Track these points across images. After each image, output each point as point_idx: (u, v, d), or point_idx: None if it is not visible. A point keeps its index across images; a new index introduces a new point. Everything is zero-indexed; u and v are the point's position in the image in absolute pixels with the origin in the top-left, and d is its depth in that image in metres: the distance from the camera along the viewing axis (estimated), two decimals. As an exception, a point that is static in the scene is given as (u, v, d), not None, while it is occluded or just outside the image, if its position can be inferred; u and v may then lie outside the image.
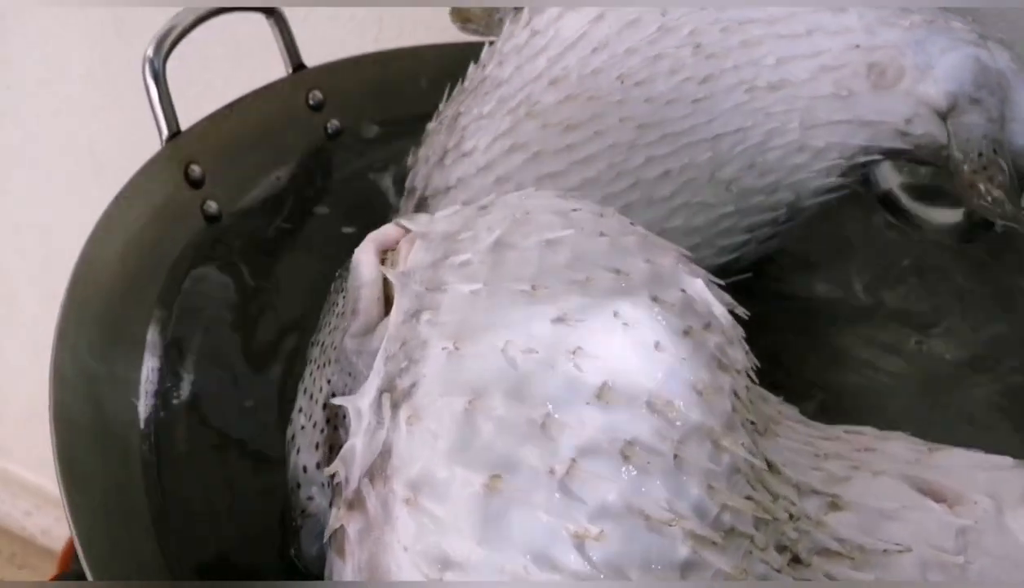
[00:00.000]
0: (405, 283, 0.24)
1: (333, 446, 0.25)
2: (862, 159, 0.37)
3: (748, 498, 0.23)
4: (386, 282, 0.26)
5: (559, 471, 0.20)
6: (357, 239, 0.33)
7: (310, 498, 0.26)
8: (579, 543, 0.20)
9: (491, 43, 0.40)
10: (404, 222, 0.28)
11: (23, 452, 1.27)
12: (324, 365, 0.26)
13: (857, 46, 0.36)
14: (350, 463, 0.23)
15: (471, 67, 0.40)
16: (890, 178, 0.44)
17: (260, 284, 0.39)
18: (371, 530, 0.21)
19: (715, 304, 0.26)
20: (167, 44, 0.38)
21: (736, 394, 0.25)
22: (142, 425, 0.32)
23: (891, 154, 0.38)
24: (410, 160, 0.40)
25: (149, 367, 0.34)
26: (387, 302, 0.26)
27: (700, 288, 0.26)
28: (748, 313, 0.26)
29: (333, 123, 0.46)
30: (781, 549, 0.24)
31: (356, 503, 0.22)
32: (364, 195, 0.44)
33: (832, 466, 0.29)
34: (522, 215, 0.26)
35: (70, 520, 0.27)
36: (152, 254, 0.37)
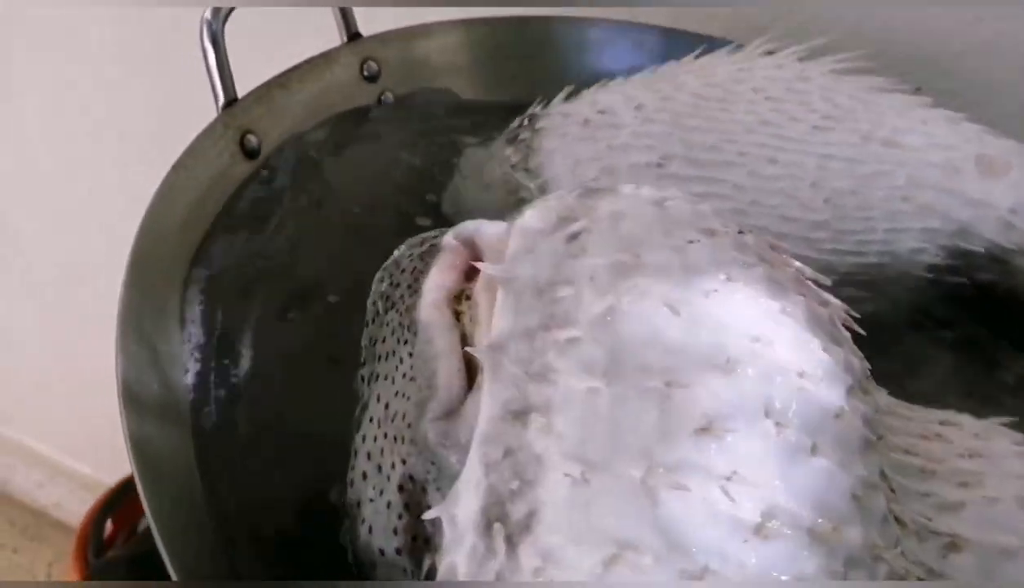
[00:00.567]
0: (498, 362, 0.20)
1: (416, 536, 0.22)
2: (962, 245, 0.37)
3: None
4: (464, 340, 0.22)
5: (721, 636, 0.17)
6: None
7: (389, 578, 0.23)
8: None
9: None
10: (483, 250, 0.23)
11: (36, 424, 1.26)
12: (395, 439, 0.22)
13: (968, 140, 0.38)
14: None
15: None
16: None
17: (313, 254, 0.37)
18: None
19: (856, 353, 0.22)
20: (225, 8, 0.36)
21: (883, 473, 0.21)
22: (199, 399, 0.31)
23: (992, 253, 0.37)
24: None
25: (206, 337, 0.32)
26: (468, 367, 0.22)
27: (839, 334, 0.22)
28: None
29: (387, 95, 0.44)
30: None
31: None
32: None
33: (941, 488, 0.26)
34: (631, 259, 0.21)
35: (143, 497, 0.25)
36: (209, 223, 0.35)
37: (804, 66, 0.40)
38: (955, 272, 0.38)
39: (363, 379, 0.25)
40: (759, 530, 0.18)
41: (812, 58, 0.40)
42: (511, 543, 0.18)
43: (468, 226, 0.24)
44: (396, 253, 0.27)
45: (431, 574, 0.21)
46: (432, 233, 0.27)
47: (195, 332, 0.32)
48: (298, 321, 0.34)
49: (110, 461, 1.19)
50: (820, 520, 0.18)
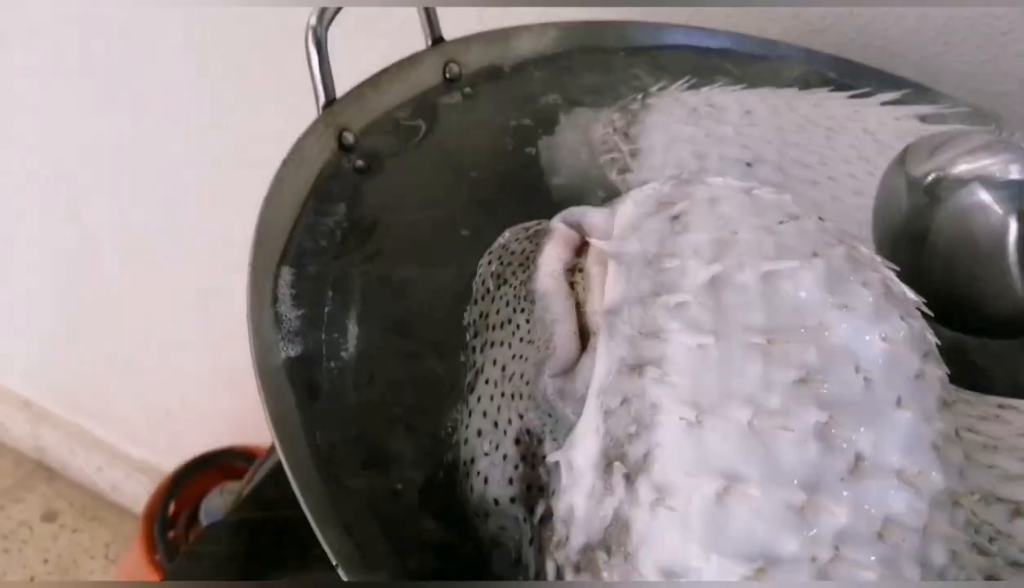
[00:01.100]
0: (613, 324, 0.23)
1: (530, 485, 0.24)
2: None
3: (979, 553, 0.22)
4: (578, 307, 0.25)
5: (821, 559, 0.19)
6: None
7: (502, 528, 0.25)
8: (840, 631, 0.19)
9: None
10: (590, 236, 0.26)
11: (98, 410, 1.32)
12: (513, 396, 0.25)
13: None
14: (570, 523, 0.22)
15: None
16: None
17: (404, 238, 0.39)
18: (607, 602, 0.20)
19: (927, 328, 0.24)
20: (329, 13, 0.38)
21: (957, 433, 0.23)
22: (313, 366, 0.32)
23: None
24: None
25: (315, 316, 0.34)
26: (581, 331, 0.25)
27: (911, 307, 0.24)
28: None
29: (467, 92, 0.46)
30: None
31: (585, 568, 0.21)
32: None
33: (1004, 461, 0.28)
34: (729, 236, 0.24)
35: (286, 466, 0.27)
36: (314, 211, 0.38)
37: (923, 126, 0.42)
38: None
39: (473, 349, 0.28)
40: (853, 470, 0.20)
41: (935, 122, 0.43)
42: (629, 480, 0.21)
43: (575, 211, 0.27)
44: (500, 239, 0.30)
45: (544, 519, 0.24)
46: (534, 222, 0.29)
47: (306, 307, 0.34)
48: (395, 295, 0.36)
49: (166, 447, 1.23)
50: (906, 464, 0.20)
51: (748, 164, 0.40)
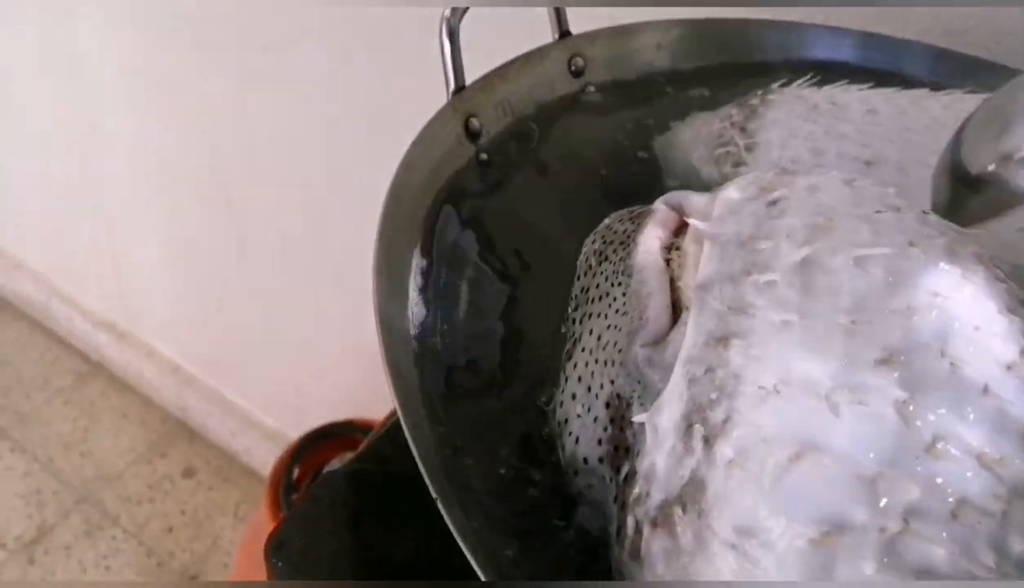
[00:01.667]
0: (704, 299, 0.24)
1: (617, 446, 0.26)
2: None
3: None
4: (672, 284, 0.26)
5: (890, 530, 0.20)
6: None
7: (589, 486, 0.27)
8: (905, 602, 0.19)
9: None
10: (689, 216, 0.27)
11: (235, 378, 1.43)
12: (606, 363, 0.27)
13: None
14: (651, 481, 0.23)
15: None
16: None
17: (521, 225, 0.42)
18: (679, 555, 0.22)
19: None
20: (463, 5, 0.41)
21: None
22: (428, 334, 0.35)
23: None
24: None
25: (433, 286, 0.37)
26: (674, 306, 0.26)
27: (1015, 303, 0.24)
28: None
29: (590, 89, 0.48)
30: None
31: (662, 523, 0.22)
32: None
33: None
34: (824, 221, 0.25)
35: (407, 432, 0.29)
36: (436, 192, 0.40)
37: None
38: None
39: (573, 321, 0.30)
40: (929, 449, 0.20)
41: None
42: (707, 442, 0.22)
43: (676, 195, 0.29)
44: (605, 221, 0.31)
45: (627, 478, 0.25)
46: (638, 206, 0.31)
47: (424, 280, 0.37)
48: (506, 277, 0.39)
49: (294, 417, 1.32)
50: (988, 449, 0.21)
51: (867, 163, 0.39)
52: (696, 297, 0.24)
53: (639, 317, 0.25)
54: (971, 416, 0.21)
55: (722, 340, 0.23)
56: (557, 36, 0.47)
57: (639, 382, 0.25)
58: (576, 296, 0.30)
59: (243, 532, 1.28)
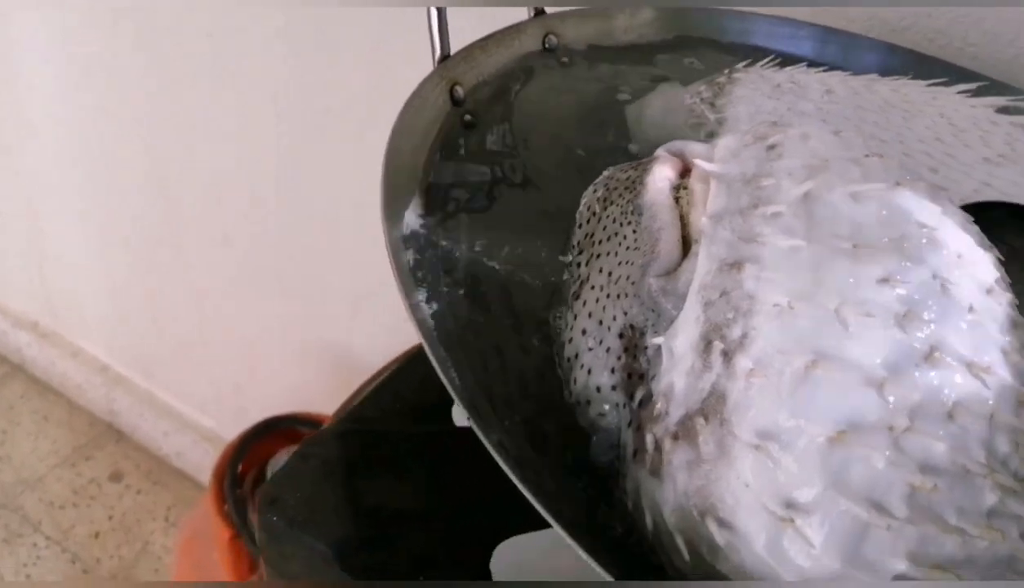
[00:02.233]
0: (715, 230, 0.26)
1: (631, 373, 0.27)
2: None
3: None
4: (681, 220, 0.28)
5: (898, 428, 0.22)
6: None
7: (601, 415, 0.28)
8: (911, 492, 0.21)
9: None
10: (694, 159, 0.29)
11: (170, 378, 1.38)
12: (618, 296, 0.28)
13: None
14: (670, 398, 0.25)
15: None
16: None
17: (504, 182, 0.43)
18: (702, 462, 0.23)
19: (999, 262, 0.26)
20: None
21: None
22: (432, 278, 0.35)
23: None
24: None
25: (431, 236, 0.37)
26: (683, 241, 0.28)
27: (987, 241, 0.27)
28: None
29: (563, 60, 0.50)
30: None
31: (683, 435, 0.24)
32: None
33: None
34: (820, 163, 0.27)
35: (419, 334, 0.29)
36: (428, 151, 0.41)
37: (997, 115, 0.45)
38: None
39: (578, 264, 0.31)
40: (928, 357, 0.23)
41: (1010, 113, 0.45)
42: (727, 356, 0.24)
43: (677, 143, 0.31)
44: (605, 173, 0.33)
45: (643, 402, 0.27)
46: (636, 161, 0.33)
47: (424, 230, 0.37)
48: (494, 221, 0.39)
49: (233, 418, 1.29)
50: (975, 359, 0.23)
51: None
52: (707, 229, 0.26)
53: (651, 250, 0.27)
54: (960, 328, 0.23)
55: (735, 265, 0.25)
56: (533, 14, 0.50)
57: (653, 310, 0.27)
58: (579, 243, 0.32)
59: (180, 534, 1.24)
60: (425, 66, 0.44)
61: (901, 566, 0.21)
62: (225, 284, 1.18)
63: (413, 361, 0.50)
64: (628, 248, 0.28)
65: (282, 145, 0.99)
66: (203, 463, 1.35)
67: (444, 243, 0.36)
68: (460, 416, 0.28)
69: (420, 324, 0.29)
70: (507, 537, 0.36)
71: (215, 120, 1.03)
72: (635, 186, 0.30)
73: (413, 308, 0.30)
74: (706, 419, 0.23)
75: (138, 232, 1.24)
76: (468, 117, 0.44)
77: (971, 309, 0.24)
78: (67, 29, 1.10)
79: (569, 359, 0.30)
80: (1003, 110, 0.47)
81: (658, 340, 0.25)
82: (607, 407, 0.28)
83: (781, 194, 0.25)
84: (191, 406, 1.37)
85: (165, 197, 1.16)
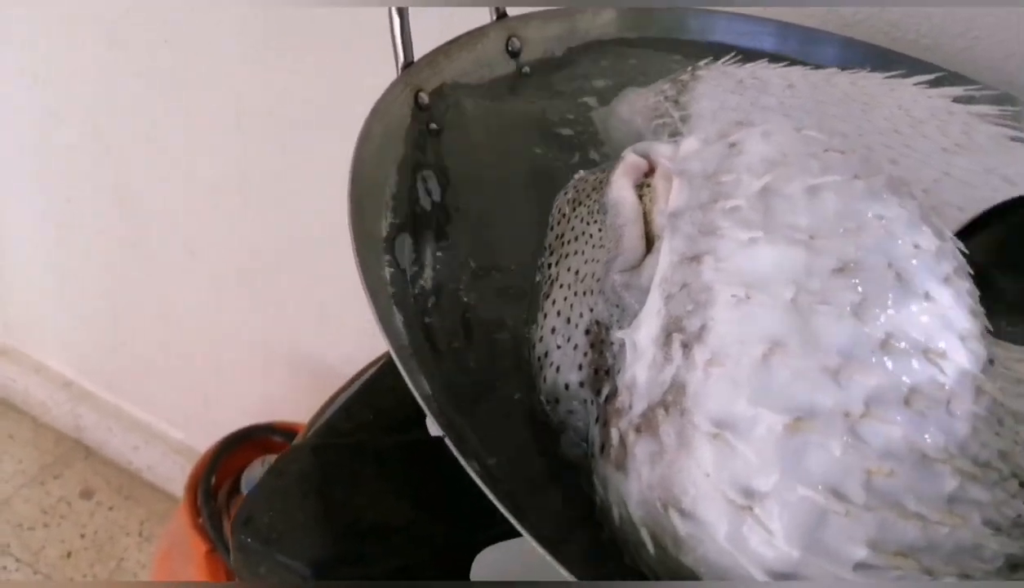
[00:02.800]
0: (676, 225, 0.26)
1: (598, 369, 0.27)
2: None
3: (996, 434, 0.25)
4: (644, 217, 0.28)
5: (853, 415, 0.22)
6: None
7: (570, 412, 0.29)
8: (868, 478, 0.22)
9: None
10: (658, 158, 0.29)
11: (137, 392, 1.36)
12: (584, 293, 0.28)
13: None
14: (633, 392, 0.25)
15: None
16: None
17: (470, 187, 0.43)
18: (664, 454, 0.24)
19: (959, 252, 0.27)
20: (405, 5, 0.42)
21: (984, 334, 0.26)
22: (402, 280, 0.35)
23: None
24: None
25: (402, 237, 0.37)
26: (646, 238, 0.28)
27: (945, 232, 0.27)
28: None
29: (526, 69, 0.50)
30: (1014, 477, 0.26)
31: (645, 428, 0.24)
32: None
33: None
34: (780, 157, 0.27)
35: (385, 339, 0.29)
36: (395, 156, 0.41)
37: (953, 105, 0.45)
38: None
39: (549, 265, 0.31)
40: (883, 344, 0.23)
41: (965, 102, 0.46)
42: (686, 347, 0.24)
43: (642, 145, 0.31)
44: (576, 175, 0.33)
45: (609, 398, 0.27)
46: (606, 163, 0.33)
47: (391, 239, 0.37)
48: (461, 228, 0.39)
49: (203, 429, 1.27)
50: (931, 345, 0.23)
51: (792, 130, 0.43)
52: (668, 224, 0.26)
53: (615, 247, 0.27)
54: (917, 316, 0.24)
55: (694, 258, 0.25)
56: (495, 17, 0.49)
57: (617, 306, 0.27)
58: (550, 244, 0.32)
59: (156, 548, 1.22)
60: (388, 72, 0.44)
61: (861, 553, 0.22)
62: (190, 295, 1.16)
63: (384, 370, 0.50)
64: (594, 246, 0.28)
65: (246, 154, 0.98)
66: (175, 476, 1.33)
67: (412, 253, 0.36)
68: (434, 426, 0.28)
69: (389, 334, 0.29)
70: (487, 546, 0.36)
71: (176, 129, 1.02)
72: (602, 186, 0.30)
73: (382, 319, 0.30)
74: (667, 410, 0.24)
75: (99, 245, 1.21)
76: (433, 125, 0.44)
77: (927, 296, 0.24)
78: (23, 36, 1.08)
79: (540, 358, 0.30)
80: (959, 100, 0.47)
81: (621, 334, 0.26)
82: (575, 404, 0.28)
83: (740, 188, 0.26)
84: (160, 419, 1.36)
85: (127, 209, 1.14)
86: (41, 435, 1.46)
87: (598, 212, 0.29)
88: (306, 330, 1.08)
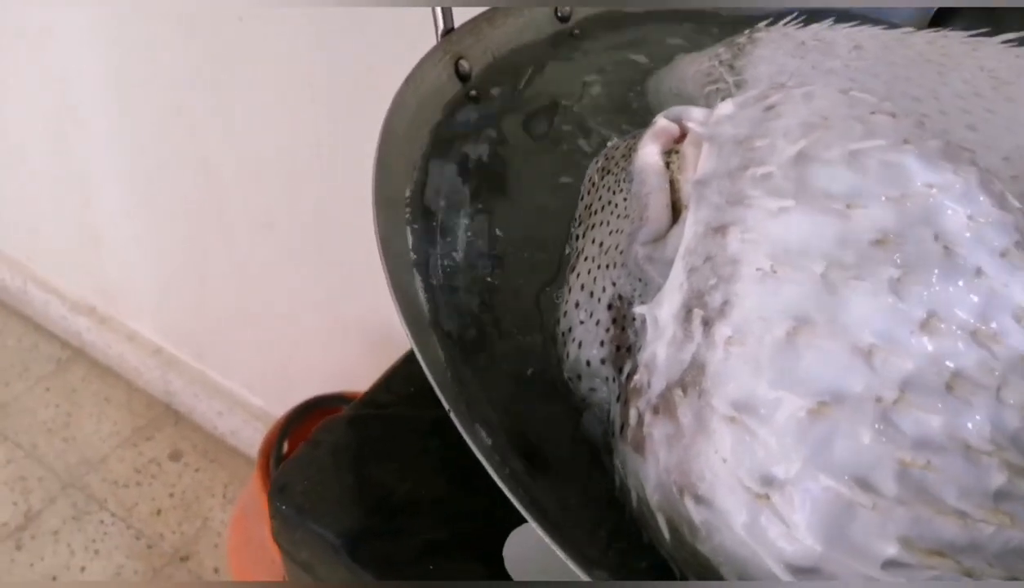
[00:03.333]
0: (702, 194, 0.24)
1: (620, 346, 0.26)
2: None
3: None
4: (672, 186, 0.27)
5: (886, 400, 0.20)
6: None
7: (592, 390, 0.27)
8: (901, 469, 0.20)
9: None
10: (688, 122, 0.27)
11: (222, 360, 1.41)
12: (608, 266, 0.27)
13: None
14: (652, 370, 0.24)
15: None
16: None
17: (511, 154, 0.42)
18: (681, 437, 0.22)
19: (1018, 214, 0.24)
20: None
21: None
22: (426, 254, 0.35)
23: None
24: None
25: (431, 210, 0.37)
26: (673, 207, 0.27)
27: (1010, 202, 0.24)
28: None
29: (576, 32, 0.49)
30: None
31: (663, 409, 0.23)
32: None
33: None
34: (820, 121, 0.25)
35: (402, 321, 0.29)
36: (429, 128, 0.41)
37: None
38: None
39: (577, 237, 0.30)
40: (924, 324, 0.21)
41: None
42: (707, 324, 0.22)
43: (675, 109, 0.29)
44: (608, 144, 0.32)
45: (630, 376, 0.25)
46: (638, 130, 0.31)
47: (422, 205, 0.37)
48: (495, 203, 0.38)
49: (280, 396, 1.31)
50: (982, 326, 0.21)
51: None
52: (694, 192, 0.24)
53: (639, 217, 0.26)
54: (965, 294, 0.21)
55: (720, 229, 0.23)
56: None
57: (640, 280, 0.26)
58: (579, 215, 0.31)
59: (233, 511, 1.27)
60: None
61: (891, 550, 0.20)
62: (268, 265, 1.20)
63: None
64: (619, 216, 0.27)
65: (318, 128, 1.00)
66: (255, 441, 1.38)
67: (443, 222, 0.36)
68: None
69: (399, 298, 0.29)
70: (518, 524, 0.36)
71: (252, 105, 1.04)
72: (630, 154, 0.28)
73: (395, 285, 0.29)
74: (684, 391, 0.22)
75: (183, 213, 1.26)
76: (473, 92, 0.43)
77: (979, 272, 0.22)
78: (109, 19, 1.12)
79: (563, 333, 0.29)
80: (1050, 58, 0.43)
81: (642, 309, 0.24)
82: (597, 381, 0.27)
83: (774, 154, 0.24)
84: (240, 385, 1.41)
85: (209, 182, 1.18)
86: (135, 399, 1.54)
87: (624, 180, 0.27)
88: (378, 300, 1.09)
